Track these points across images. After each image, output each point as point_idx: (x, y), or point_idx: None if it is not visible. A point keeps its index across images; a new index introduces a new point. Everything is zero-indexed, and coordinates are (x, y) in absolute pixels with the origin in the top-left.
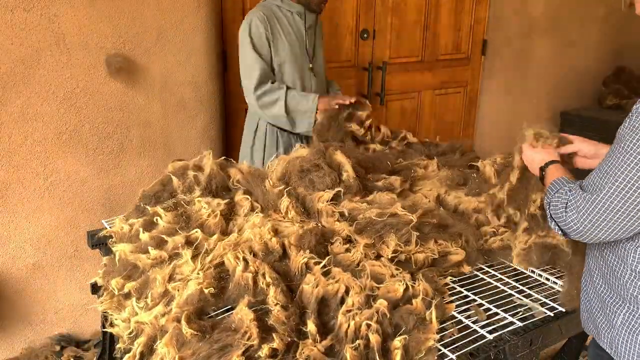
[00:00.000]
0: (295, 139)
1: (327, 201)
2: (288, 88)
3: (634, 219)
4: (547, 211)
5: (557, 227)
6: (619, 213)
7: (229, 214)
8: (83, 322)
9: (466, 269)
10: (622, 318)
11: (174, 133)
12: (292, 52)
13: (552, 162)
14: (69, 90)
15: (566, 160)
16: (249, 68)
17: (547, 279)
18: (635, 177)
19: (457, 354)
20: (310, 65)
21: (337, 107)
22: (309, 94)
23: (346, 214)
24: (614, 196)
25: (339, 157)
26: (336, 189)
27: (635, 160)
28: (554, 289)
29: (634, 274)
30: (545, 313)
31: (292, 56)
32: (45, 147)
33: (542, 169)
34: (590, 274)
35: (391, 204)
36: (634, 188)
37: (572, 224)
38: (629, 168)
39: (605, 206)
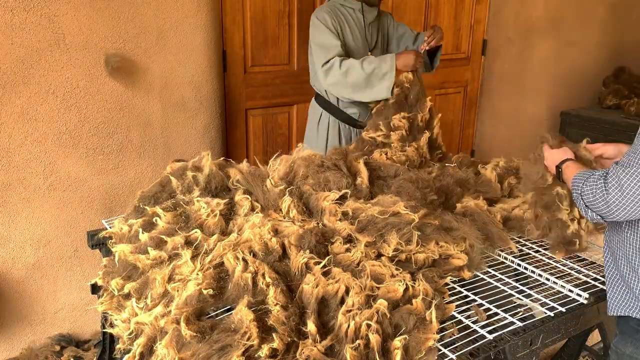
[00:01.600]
0: (355, 133)
1: (333, 200)
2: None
3: None
4: (580, 202)
5: (593, 214)
6: None
7: (229, 213)
8: (83, 322)
9: (467, 274)
10: None
11: (174, 133)
12: (355, 44)
13: (568, 159)
14: (69, 90)
15: (591, 164)
16: (324, 47)
17: (547, 279)
18: None
19: (457, 354)
20: (369, 54)
21: (416, 64)
22: (384, 55)
23: (350, 213)
24: None
25: (360, 165)
26: (344, 191)
27: None
28: (554, 289)
29: None
30: (545, 313)
31: (355, 47)
32: (45, 147)
33: (557, 167)
34: (615, 260)
35: (394, 203)
36: None
37: (616, 201)
38: None
39: None
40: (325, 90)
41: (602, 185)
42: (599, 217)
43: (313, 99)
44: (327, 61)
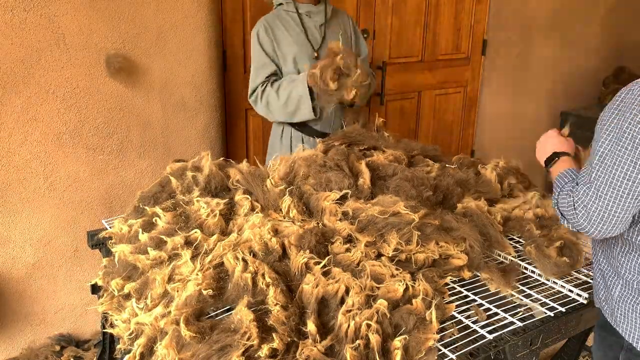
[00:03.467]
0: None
1: (333, 200)
2: (274, 82)
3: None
4: (556, 208)
5: (569, 225)
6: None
7: (229, 213)
8: (83, 322)
9: (466, 274)
10: (618, 291)
11: (174, 133)
12: (299, 49)
13: (561, 153)
14: (69, 90)
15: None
16: (254, 69)
17: (547, 279)
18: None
19: (457, 354)
20: (316, 55)
21: (324, 74)
22: (297, 76)
23: (350, 213)
24: (603, 181)
25: (362, 166)
26: (344, 191)
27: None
28: (554, 289)
29: (624, 246)
30: (545, 313)
31: (299, 52)
32: (45, 147)
33: (547, 161)
34: (596, 252)
35: (394, 203)
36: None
37: (586, 225)
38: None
39: (600, 194)
40: None
41: (572, 204)
42: (574, 230)
43: None
44: (253, 92)
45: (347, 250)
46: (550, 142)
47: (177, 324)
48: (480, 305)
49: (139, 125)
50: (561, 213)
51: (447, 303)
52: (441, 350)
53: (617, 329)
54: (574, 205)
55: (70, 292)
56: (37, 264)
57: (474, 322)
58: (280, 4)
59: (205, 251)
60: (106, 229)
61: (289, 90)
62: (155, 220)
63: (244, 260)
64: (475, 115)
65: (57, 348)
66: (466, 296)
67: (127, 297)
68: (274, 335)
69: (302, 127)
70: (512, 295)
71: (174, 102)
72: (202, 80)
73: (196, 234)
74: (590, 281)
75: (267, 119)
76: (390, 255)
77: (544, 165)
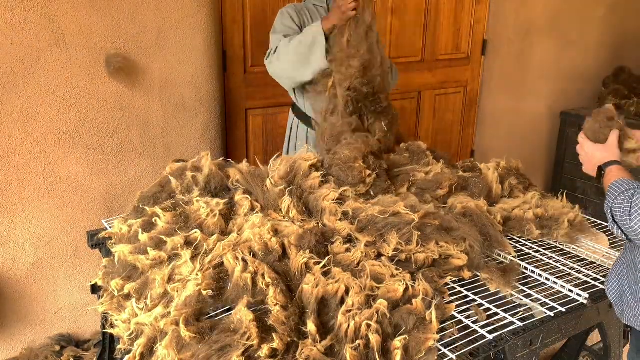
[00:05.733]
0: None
1: (333, 200)
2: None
3: None
4: (609, 215)
5: (620, 232)
6: None
7: (229, 214)
8: (83, 322)
9: (466, 274)
10: None
11: (174, 133)
12: None
13: (613, 162)
14: (69, 90)
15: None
16: (275, 33)
17: (547, 279)
18: None
19: (457, 354)
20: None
21: (346, 14)
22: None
23: (350, 213)
24: None
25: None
26: (343, 189)
27: None
28: (554, 289)
29: None
30: (545, 313)
31: None
32: (45, 147)
33: (600, 168)
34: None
35: (394, 203)
36: None
37: (638, 229)
38: None
39: None
40: (297, 97)
41: (628, 208)
42: (625, 236)
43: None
44: (269, 54)
45: (347, 250)
46: (598, 154)
47: (177, 324)
48: (480, 305)
49: (139, 125)
50: (613, 218)
51: (447, 303)
52: (441, 350)
53: None
54: (630, 211)
55: (70, 292)
56: (37, 264)
57: (474, 322)
58: None
59: (205, 251)
60: (106, 229)
61: (302, 34)
62: (155, 221)
63: (243, 260)
64: (475, 115)
65: (57, 348)
66: (466, 296)
67: (127, 297)
68: (274, 335)
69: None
70: (512, 295)
71: (174, 102)
72: (202, 80)
73: (196, 234)
74: (591, 281)
75: (279, 81)
76: (390, 255)
77: (595, 173)
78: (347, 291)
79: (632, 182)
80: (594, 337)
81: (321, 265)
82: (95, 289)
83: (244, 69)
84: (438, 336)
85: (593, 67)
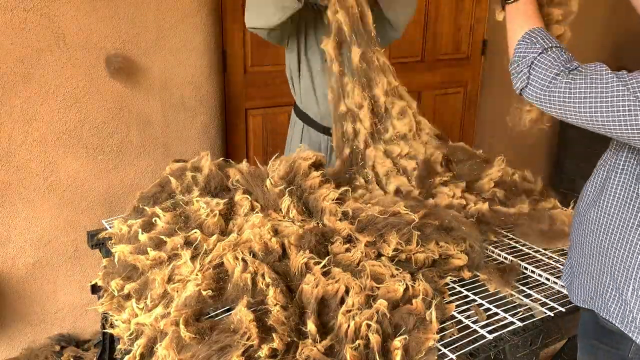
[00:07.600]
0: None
1: (333, 200)
2: None
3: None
4: (523, 69)
5: (529, 92)
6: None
7: (229, 214)
8: (83, 322)
9: (467, 274)
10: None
11: (174, 133)
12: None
13: None
14: (69, 90)
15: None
16: None
17: (547, 279)
18: None
19: (457, 354)
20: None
21: None
22: None
23: (350, 213)
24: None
25: None
26: (343, 188)
27: None
28: (554, 288)
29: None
30: (545, 313)
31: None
32: (45, 147)
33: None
34: (590, 248)
35: (394, 203)
36: None
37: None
38: None
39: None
40: (298, 95)
41: (550, 77)
42: (534, 96)
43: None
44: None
45: (347, 250)
46: None
47: (177, 325)
48: (480, 305)
49: (139, 125)
50: (529, 74)
51: (447, 303)
52: (441, 350)
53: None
54: (572, 76)
55: (70, 292)
56: (37, 264)
57: (474, 322)
58: None
59: (204, 251)
60: (106, 229)
61: None
62: (155, 221)
63: (243, 260)
64: (475, 115)
65: (57, 348)
66: (466, 296)
67: (127, 297)
68: (273, 335)
69: (317, 126)
70: (512, 295)
71: (173, 102)
72: (202, 80)
73: (196, 234)
74: None
75: (258, 33)
76: (390, 255)
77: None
78: (347, 291)
79: (552, 37)
80: None
81: (321, 265)
82: (95, 289)
83: (244, 69)
84: (438, 336)
85: None
